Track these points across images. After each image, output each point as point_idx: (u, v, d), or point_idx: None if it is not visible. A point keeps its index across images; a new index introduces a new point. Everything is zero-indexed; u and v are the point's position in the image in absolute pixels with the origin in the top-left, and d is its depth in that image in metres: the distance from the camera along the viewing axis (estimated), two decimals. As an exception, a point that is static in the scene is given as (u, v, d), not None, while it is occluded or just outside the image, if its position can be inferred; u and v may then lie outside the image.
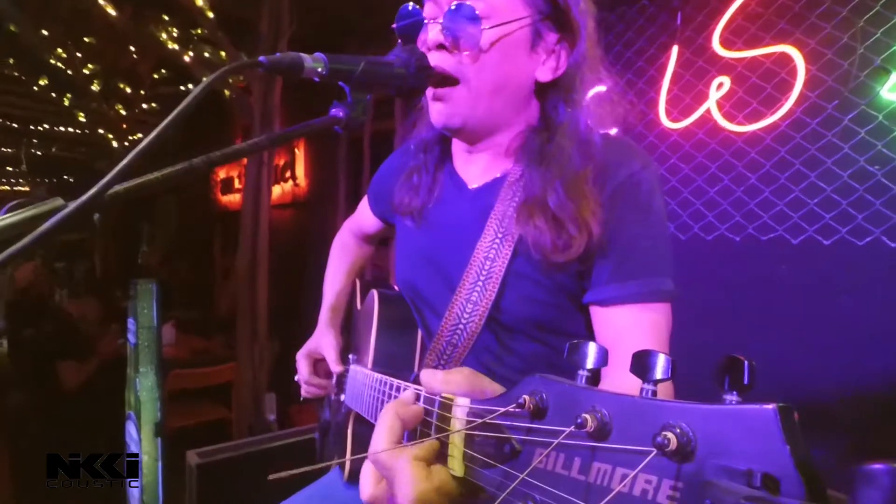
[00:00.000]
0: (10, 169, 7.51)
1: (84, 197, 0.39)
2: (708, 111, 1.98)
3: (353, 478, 1.09)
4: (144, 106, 4.89)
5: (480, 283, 0.86)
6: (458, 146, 0.95)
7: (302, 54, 0.59)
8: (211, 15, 3.02)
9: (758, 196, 1.87)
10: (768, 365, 1.82)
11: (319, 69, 0.59)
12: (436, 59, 0.80)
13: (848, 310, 1.65)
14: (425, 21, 0.83)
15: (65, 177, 8.07)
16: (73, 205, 0.39)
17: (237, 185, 5.45)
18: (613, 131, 2.43)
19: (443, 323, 0.89)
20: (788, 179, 1.79)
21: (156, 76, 4.48)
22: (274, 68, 0.57)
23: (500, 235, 0.86)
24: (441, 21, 0.80)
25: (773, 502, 0.28)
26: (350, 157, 3.90)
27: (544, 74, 0.84)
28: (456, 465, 0.53)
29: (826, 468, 0.29)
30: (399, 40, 0.82)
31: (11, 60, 4.30)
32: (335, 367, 1.14)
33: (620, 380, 0.49)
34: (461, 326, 0.87)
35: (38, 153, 6.86)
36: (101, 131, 5.42)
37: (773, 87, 1.82)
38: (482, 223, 0.87)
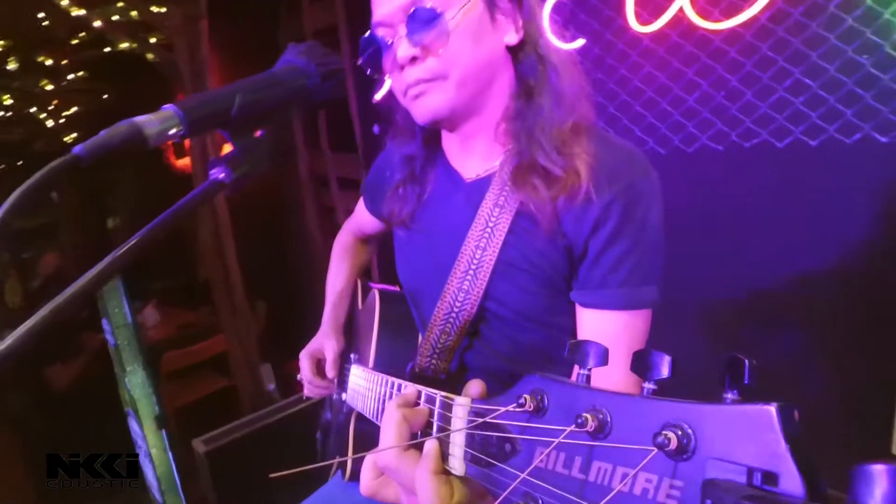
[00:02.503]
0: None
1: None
2: (681, 9, 1.81)
3: (355, 477, 1.12)
4: (70, 76, 4.46)
5: (471, 273, 0.87)
6: (449, 140, 0.96)
7: (140, 119, 0.44)
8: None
9: (739, 100, 1.75)
10: (755, 272, 1.80)
11: (173, 131, 0.45)
12: (414, 73, 0.81)
13: (839, 211, 1.58)
14: (389, 42, 0.83)
15: (8, 160, 7.56)
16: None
17: (186, 146, 5.13)
18: (580, 42, 2.24)
19: (435, 312, 0.91)
20: (772, 78, 1.67)
21: (73, 42, 4.04)
22: (99, 155, 0.42)
23: (490, 224, 0.87)
24: (404, 34, 0.80)
25: (773, 501, 0.28)
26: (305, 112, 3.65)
27: (511, 38, 0.86)
28: (457, 464, 0.53)
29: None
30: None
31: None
32: (330, 371, 1.18)
33: (599, 377, 0.50)
34: (453, 315, 0.89)
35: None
36: (31, 110, 4.99)
37: (750, -26, 1.64)
38: (476, 214, 0.89)
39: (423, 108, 0.85)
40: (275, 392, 2.87)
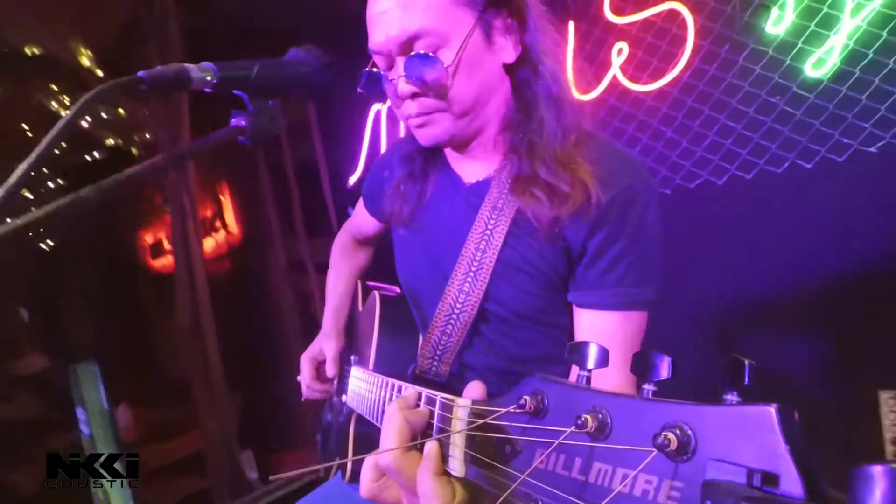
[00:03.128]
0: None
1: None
2: (614, 77, 2.05)
3: (355, 479, 1.09)
4: (51, 184, 4.57)
5: (472, 274, 0.88)
6: (450, 147, 0.97)
7: (187, 65, 0.55)
8: (100, 73, 2.86)
9: (677, 147, 1.95)
10: (717, 304, 1.88)
11: (209, 78, 0.56)
12: (414, 108, 0.83)
13: (782, 236, 1.73)
14: (390, 79, 0.84)
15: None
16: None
17: (167, 246, 5.20)
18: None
19: (436, 314, 0.91)
20: (701, 126, 1.88)
21: (56, 151, 4.19)
22: (157, 83, 0.53)
23: (490, 226, 0.88)
24: (403, 75, 0.81)
25: (773, 502, 0.28)
26: (277, 191, 3.80)
27: (508, 56, 0.86)
28: (457, 466, 0.53)
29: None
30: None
31: None
32: (329, 370, 1.17)
33: (596, 378, 0.50)
34: (454, 317, 0.90)
35: None
36: (8, 220, 5.02)
37: (667, 43, 1.91)
38: (475, 216, 0.90)
39: (426, 136, 0.87)
40: (257, 481, 2.71)
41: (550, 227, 0.83)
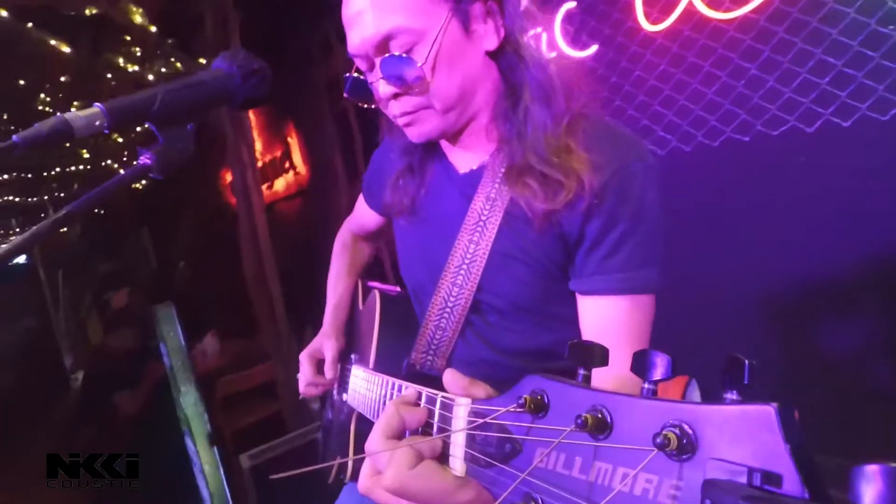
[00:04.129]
0: (41, 216, 7.83)
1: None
2: (690, 3, 1.78)
3: (356, 478, 1.11)
4: (138, 129, 4.91)
5: (465, 266, 0.87)
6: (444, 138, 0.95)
7: (70, 114, 0.51)
8: (153, 29, 2.95)
9: (761, 87, 1.69)
10: (787, 262, 1.69)
11: (98, 123, 0.52)
12: (398, 108, 0.82)
13: (875, 194, 1.48)
14: (370, 82, 0.83)
15: (96, 211, 8.34)
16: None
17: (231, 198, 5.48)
18: (593, 49, 2.23)
19: (430, 307, 0.91)
20: (792, 62, 1.60)
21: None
22: (34, 145, 0.49)
23: (483, 217, 0.86)
24: (381, 76, 0.80)
25: (773, 501, 0.28)
26: (340, 134, 3.82)
27: (490, 43, 0.83)
28: (457, 465, 0.53)
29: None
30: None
31: (5, 116, 4.38)
32: (329, 371, 1.18)
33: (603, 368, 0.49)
34: (448, 310, 0.89)
35: (62, 195, 7.09)
36: (106, 162, 5.52)
37: (757, -42, 1.60)
38: (469, 206, 0.88)
39: (415, 133, 0.86)
40: (318, 410, 2.95)
41: (545, 217, 0.80)
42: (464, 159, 0.93)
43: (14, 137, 0.49)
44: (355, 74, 0.86)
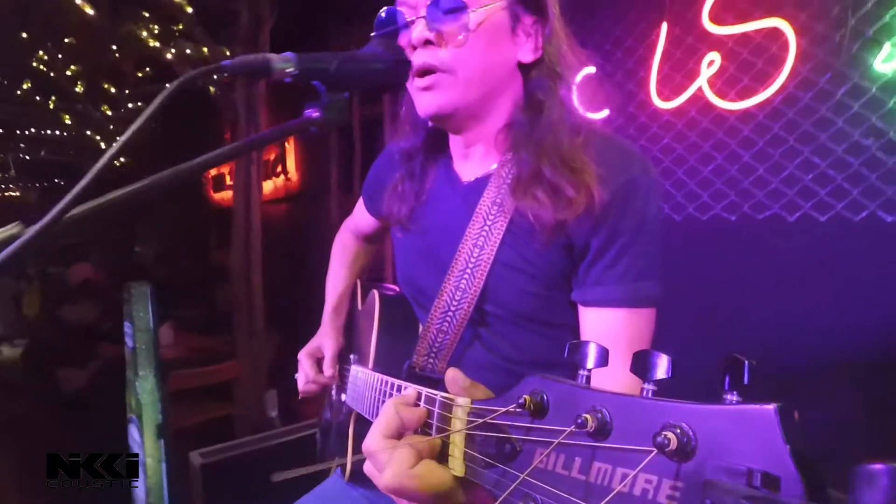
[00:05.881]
0: (0, 174, 7.45)
1: (41, 224, 0.38)
2: (700, 89, 1.96)
3: (354, 478, 1.10)
4: (130, 105, 4.82)
5: (469, 272, 0.87)
6: (455, 143, 0.96)
7: (269, 55, 0.56)
8: (189, 10, 2.97)
9: (752, 174, 1.85)
10: (769, 342, 1.82)
11: (289, 69, 0.57)
12: (423, 56, 0.81)
13: (845, 285, 1.64)
14: (407, 22, 0.83)
15: (55, 180, 7.99)
16: (29, 232, 0.38)
17: (229, 181, 5.41)
18: (605, 113, 2.38)
19: (432, 311, 0.90)
20: (782, 156, 1.78)
21: (140, 74, 4.40)
22: (238, 72, 0.55)
23: (488, 223, 0.86)
24: (424, 17, 0.80)
25: (773, 502, 0.28)
26: (341, 146, 3.87)
27: (526, 55, 0.86)
28: (457, 465, 0.53)
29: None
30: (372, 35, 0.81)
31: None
32: (327, 369, 1.17)
33: (601, 377, 0.50)
34: (450, 314, 0.89)
35: (27, 157, 6.78)
36: (88, 133, 5.35)
37: (764, 62, 1.79)
38: (472, 214, 0.88)
39: (428, 101, 0.84)
40: (277, 420, 2.87)
41: (553, 229, 0.81)
42: (469, 168, 0.94)
43: (224, 62, 0.53)
44: (397, 8, 0.85)
